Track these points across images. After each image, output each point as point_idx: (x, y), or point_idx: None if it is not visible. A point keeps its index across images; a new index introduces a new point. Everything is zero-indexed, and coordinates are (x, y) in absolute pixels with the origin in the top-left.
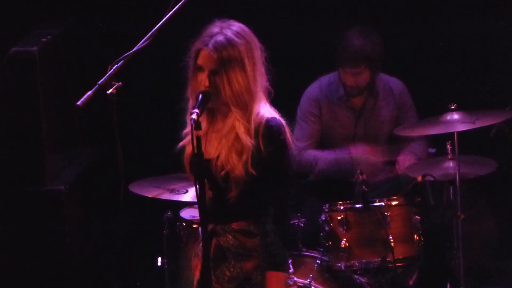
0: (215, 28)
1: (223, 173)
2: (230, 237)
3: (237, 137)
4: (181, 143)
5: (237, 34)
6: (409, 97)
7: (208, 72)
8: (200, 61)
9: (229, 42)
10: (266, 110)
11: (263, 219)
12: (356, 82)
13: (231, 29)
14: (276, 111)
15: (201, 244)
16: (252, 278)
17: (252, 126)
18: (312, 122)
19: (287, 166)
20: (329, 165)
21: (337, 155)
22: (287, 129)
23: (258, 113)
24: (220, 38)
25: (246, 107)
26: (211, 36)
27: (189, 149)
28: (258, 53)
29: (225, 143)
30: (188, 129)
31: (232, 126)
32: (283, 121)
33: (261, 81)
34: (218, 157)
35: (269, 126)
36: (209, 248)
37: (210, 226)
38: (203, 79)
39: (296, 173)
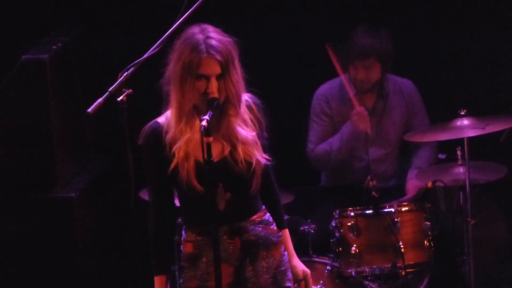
0: (198, 35)
1: (251, 167)
2: (260, 228)
3: (239, 131)
4: (172, 165)
5: (220, 33)
6: (418, 97)
7: (215, 78)
8: (203, 70)
9: (222, 44)
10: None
11: (272, 186)
12: (367, 76)
13: (211, 31)
14: None
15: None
16: (281, 265)
17: (245, 112)
18: (324, 121)
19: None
20: (341, 142)
21: (341, 131)
22: None
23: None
24: (213, 42)
25: (240, 102)
26: (203, 43)
27: (187, 165)
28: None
29: (232, 139)
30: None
31: (230, 121)
32: None
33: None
34: (231, 153)
35: (255, 100)
36: (219, 253)
37: (224, 228)
38: (210, 86)
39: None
